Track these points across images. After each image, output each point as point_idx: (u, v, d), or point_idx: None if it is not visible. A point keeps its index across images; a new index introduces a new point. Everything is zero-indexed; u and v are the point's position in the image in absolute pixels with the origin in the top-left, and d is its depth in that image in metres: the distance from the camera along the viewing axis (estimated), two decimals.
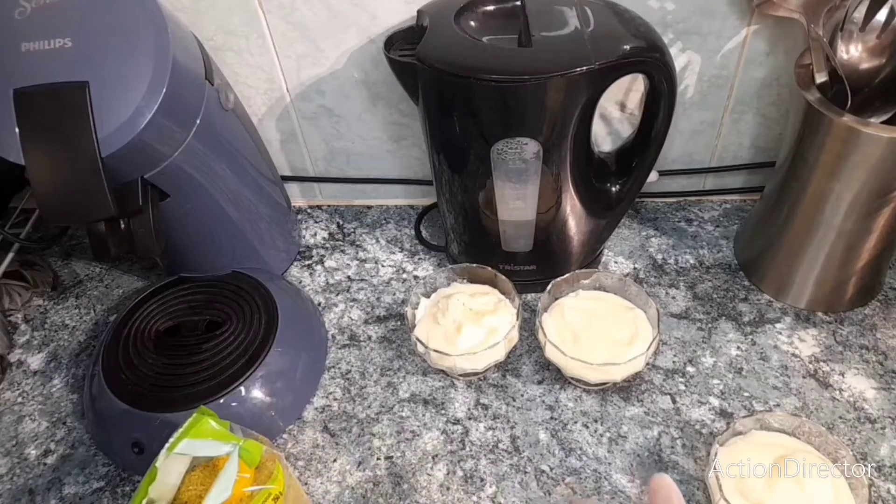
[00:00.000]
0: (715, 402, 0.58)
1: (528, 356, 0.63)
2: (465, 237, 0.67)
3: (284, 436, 0.59)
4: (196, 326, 0.62)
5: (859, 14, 0.53)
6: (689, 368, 0.60)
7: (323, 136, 0.74)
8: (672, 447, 0.55)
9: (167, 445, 0.45)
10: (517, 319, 0.59)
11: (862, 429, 0.55)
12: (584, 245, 0.66)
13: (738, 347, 0.61)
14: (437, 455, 0.56)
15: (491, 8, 0.58)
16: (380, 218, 0.79)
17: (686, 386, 0.59)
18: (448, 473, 0.55)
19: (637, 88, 0.66)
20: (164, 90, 0.48)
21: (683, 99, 0.67)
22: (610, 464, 0.54)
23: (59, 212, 0.48)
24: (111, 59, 0.47)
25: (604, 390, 0.59)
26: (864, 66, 0.55)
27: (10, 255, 0.71)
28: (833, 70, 0.53)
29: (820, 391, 0.58)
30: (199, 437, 0.45)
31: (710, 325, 0.64)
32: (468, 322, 0.59)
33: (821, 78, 0.54)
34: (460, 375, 0.61)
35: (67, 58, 0.46)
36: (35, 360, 0.69)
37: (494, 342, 0.57)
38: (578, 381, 0.59)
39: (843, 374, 0.59)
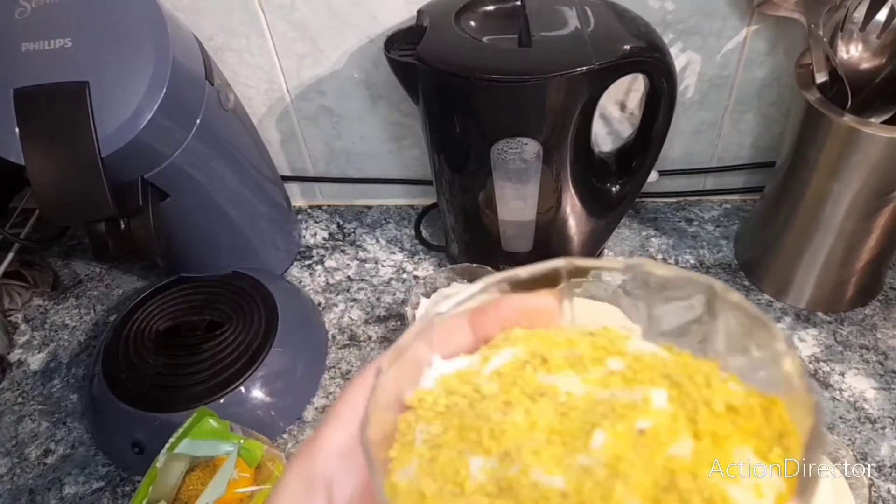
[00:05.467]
0: None
1: None
2: (465, 237, 0.67)
3: (284, 436, 0.59)
4: (196, 326, 0.62)
5: (859, 14, 0.53)
6: None
7: (323, 136, 0.74)
8: None
9: (167, 445, 0.45)
10: None
11: (862, 429, 0.55)
12: (584, 245, 0.66)
13: None
14: None
15: (491, 8, 0.57)
16: (380, 218, 0.79)
17: None
18: None
19: (637, 88, 0.66)
20: (164, 90, 0.48)
21: (683, 99, 0.67)
22: None
23: (59, 212, 0.48)
24: (111, 59, 0.47)
25: None
26: (864, 66, 0.55)
27: (10, 255, 0.71)
28: (833, 70, 0.53)
29: (820, 391, 0.58)
30: (199, 437, 0.45)
31: None
32: None
33: (821, 78, 0.54)
34: None
35: (67, 58, 0.46)
36: (35, 360, 0.69)
37: None
38: None
39: (843, 374, 0.59)
